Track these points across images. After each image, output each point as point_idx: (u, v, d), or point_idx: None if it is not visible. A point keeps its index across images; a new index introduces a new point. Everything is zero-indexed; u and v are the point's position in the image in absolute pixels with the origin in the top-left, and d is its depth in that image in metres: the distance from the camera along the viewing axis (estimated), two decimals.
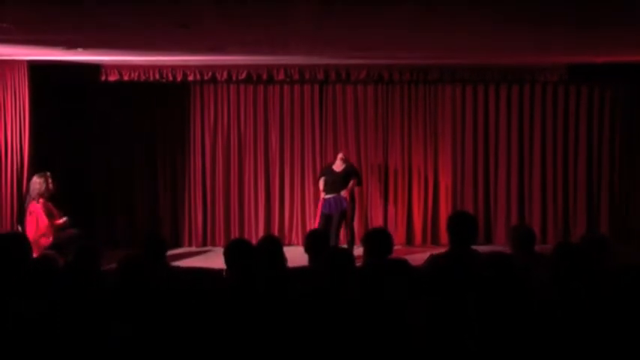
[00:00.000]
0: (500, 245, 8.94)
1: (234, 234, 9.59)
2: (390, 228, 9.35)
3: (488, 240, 9.71)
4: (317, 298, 3.62)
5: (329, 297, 3.61)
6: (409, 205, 9.93)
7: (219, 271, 4.55)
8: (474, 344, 3.20)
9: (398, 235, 9.57)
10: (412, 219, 9.92)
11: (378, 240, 4.32)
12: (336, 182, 8.71)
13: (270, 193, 9.92)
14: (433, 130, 9.88)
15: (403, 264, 4.09)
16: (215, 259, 8.23)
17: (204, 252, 9.41)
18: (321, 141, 9.92)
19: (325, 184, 8.76)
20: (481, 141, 9.87)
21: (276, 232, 9.51)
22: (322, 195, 8.76)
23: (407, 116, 9.87)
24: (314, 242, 4.81)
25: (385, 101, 9.87)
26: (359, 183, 8.97)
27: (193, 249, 9.65)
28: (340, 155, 8.93)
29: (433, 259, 4.27)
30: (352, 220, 8.90)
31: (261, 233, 9.26)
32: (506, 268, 3.54)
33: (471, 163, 9.89)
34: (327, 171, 8.89)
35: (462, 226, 4.23)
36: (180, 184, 9.91)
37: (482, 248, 4.52)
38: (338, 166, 8.84)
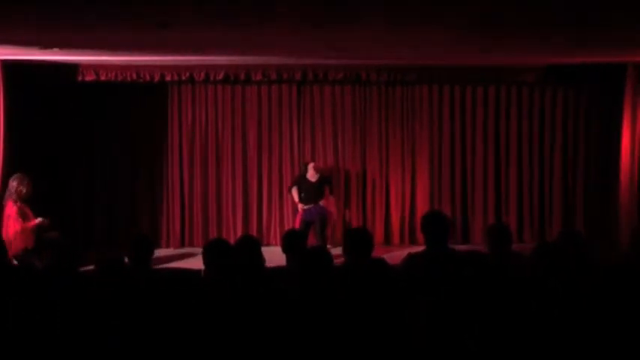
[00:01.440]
0: (477, 244, 8.98)
1: (213, 234, 9.53)
2: (368, 227, 9.29)
3: (466, 239, 9.79)
4: (295, 299, 3.62)
5: (308, 297, 3.61)
6: (387, 205, 9.97)
7: (197, 272, 4.52)
8: (453, 342, 3.23)
9: (376, 235, 9.43)
10: (390, 219, 9.96)
11: (358, 239, 4.30)
12: (311, 192, 8.85)
13: (249, 193, 9.91)
14: (410, 130, 9.93)
15: (381, 263, 4.28)
16: (193, 260, 8.26)
17: (183, 253, 9.35)
18: (299, 141, 9.93)
19: (300, 194, 8.88)
20: (458, 141, 9.92)
21: (254, 233, 9.49)
22: (300, 206, 8.86)
23: (384, 117, 9.91)
24: (291, 242, 4.81)
25: (362, 102, 9.91)
26: (331, 191, 9.18)
27: (171, 250, 9.62)
28: (313, 164, 9.06)
29: (411, 258, 4.29)
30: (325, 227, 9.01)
31: (239, 233, 9.15)
32: (482, 266, 3.59)
33: (448, 163, 9.93)
34: (301, 180, 8.99)
35: (435, 225, 4.27)
36: (158, 185, 9.88)
37: (459, 247, 4.57)
38: (312, 175, 8.96)
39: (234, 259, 4.28)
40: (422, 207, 9.73)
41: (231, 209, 9.90)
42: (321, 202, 8.84)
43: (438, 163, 9.94)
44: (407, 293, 3.86)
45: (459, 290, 3.55)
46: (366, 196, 9.98)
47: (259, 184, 9.94)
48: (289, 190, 9.27)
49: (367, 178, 9.98)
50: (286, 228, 9.10)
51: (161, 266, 6.99)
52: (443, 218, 4.36)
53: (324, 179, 9.05)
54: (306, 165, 9.21)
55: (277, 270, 4.52)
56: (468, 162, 9.98)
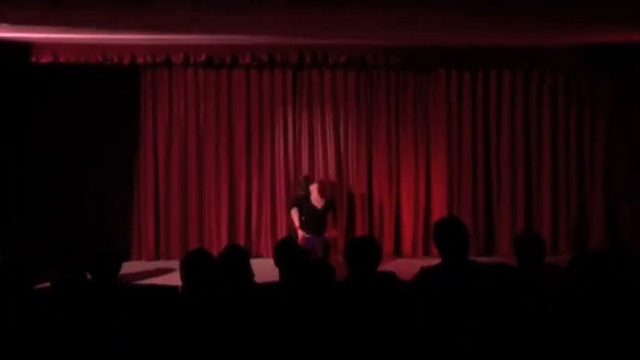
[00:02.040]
0: (504, 257, 8.98)
1: (193, 245, 9.49)
2: (375, 236, 9.26)
3: (491, 251, 9.81)
4: (290, 318, 3.66)
5: (304, 317, 3.64)
6: (397, 210, 9.97)
7: (173, 288, 4.52)
8: None
9: (384, 245, 9.58)
10: (401, 226, 9.96)
11: (363, 249, 4.31)
12: (316, 220, 8.85)
13: (235, 197, 9.93)
14: (425, 123, 9.93)
15: (390, 278, 4.28)
16: (169, 276, 8.35)
17: (157, 267, 9.32)
18: (295, 137, 9.95)
19: (301, 219, 8.84)
20: (481, 136, 9.92)
21: (242, 243, 9.47)
22: (300, 233, 8.77)
23: (394, 107, 9.93)
24: (286, 253, 4.82)
25: (369, 89, 9.92)
26: (334, 219, 9.18)
27: (143, 263, 9.60)
28: (317, 186, 9.02)
29: (424, 272, 4.28)
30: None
31: (224, 244, 9.07)
32: (508, 280, 3.60)
33: (469, 161, 9.92)
34: (304, 204, 8.95)
35: (451, 233, 4.27)
36: (127, 186, 9.87)
37: (483, 260, 4.53)
38: (317, 199, 8.95)
39: (217, 273, 4.29)
40: (438, 212, 9.67)
41: (214, 215, 9.89)
42: (327, 234, 8.87)
43: (457, 162, 9.92)
44: (419, 313, 3.88)
45: (481, 309, 3.59)
46: (372, 200, 9.98)
47: (248, 187, 9.93)
48: (288, 211, 9.26)
49: (374, 179, 9.98)
50: (279, 237, 8.90)
51: (131, 282, 6.89)
52: (460, 225, 4.34)
53: (330, 205, 9.06)
54: (306, 182, 9.28)
55: (269, 285, 4.54)
56: (493, 161, 9.97)
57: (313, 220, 8.82)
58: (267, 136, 9.92)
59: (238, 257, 4.51)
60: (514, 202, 9.94)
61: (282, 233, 9.44)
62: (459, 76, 9.86)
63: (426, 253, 9.75)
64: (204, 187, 9.92)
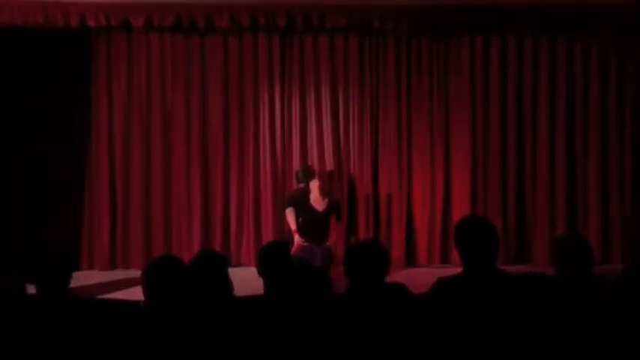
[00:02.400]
0: (540, 265, 9.06)
1: (157, 252, 9.47)
2: (382, 241, 9.35)
3: (524, 258, 9.83)
4: (277, 339, 3.69)
5: (294, 337, 3.67)
6: (409, 208, 10.02)
7: (134, 304, 4.50)
8: None
9: (394, 251, 9.62)
10: (413, 228, 10.00)
11: (366, 257, 4.33)
12: (318, 225, 8.73)
13: (210, 194, 10.00)
14: (444, 102, 9.96)
15: (400, 291, 4.31)
16: (129, 288, 8.27)
17: (114, 278, 9.27)
18: (283, 119, 9.98)
19: (299, 223, 8.75)
20: (512, 117, 9.93)
21: (218, 249, 9.50)
22: (297, 238, 8.70)
23: (406, 82, 9.93)
24: (272, 259, 4.86)
25: (375, 59, 9.93)
26: (338, 219, 9.07)
27: (96, 273, 9.63)
28: (318, 184, 8.89)
29: (442, 283, 4.28)
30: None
31: (196, 251, 9.14)
32: (545, 294, 3.61)
33: (497, 148, 9.94)
34: (302, 204, 8.84)
35: (476, 236, 4.26)
36: (76, 181, 9.88)
37: (513, 269, 4.54)
38: (318, 201, 8.83)
39: (188, 284, 4.30)
40: (459, 211, 9.69)
41: (184, 216, 9.95)
42: (329, 241, 8.79)
43: (482, 149, 9.97)
44: (435, 334, 3.90)
45: (512, 330, 3.59)
46: (379, 197, 10.01)
47: (226, 181, 9.99)
48: (283, 209, 9.18)
49: (381, 171, 10.03)
50: (264, 242, 8.77)
51: (84, 297, 6.95)
52: (488, 226, 4.34)
53: (334, 206, 8.96)
54: (306, 174, 9.23)
55: (251, 300, 4.55)
56: (527, 148, 10.00)
57: (313, 225, 8.73)
58: (249, 119, 9.94)
59: (214, 265, 4.52)
60: (553, 199, 9.96)
61: (267, 237, 9.49)
62: (486, 43, 9.89)
63: (444, 260, 9.84)
64: (171, 181, 9.96)
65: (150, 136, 9.92)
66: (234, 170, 9.98)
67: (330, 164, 9.97)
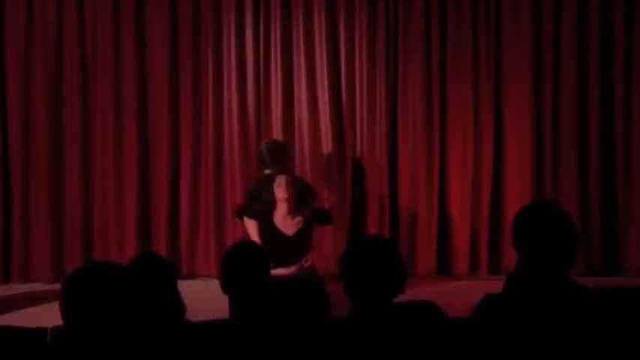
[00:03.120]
0: (635, 274, 9.41)
1: (71, 260, 9.80)
2: (404, 241, 9.81)
3: (612, 266, 10.04)
4: None
5: None
6: (442, 200, 10.21)
7: (39, 332, 4.62)
8: None
9: (420, 257, 9.98)
10: (448, 227, 10.23)
11: (373, 261, 4.31)
12: (286, 250, 8.69)
13: (150, 180, 10.25)
14: (494, 53, 10.11)
15: (429, 312, 4.32)
16: (28, 306, 8.56)
17: (5, 292, 9.54)
18: (259, 68, 10.11)
19: (263, 243, 8.54)
20: (595, 74, 10.04)
21: (163, 253, 9.20)
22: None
23: (437, 20, 10.06)
24: (240, 269, 4.93)
25: (393, 4, 10.06)
26: (326, 222, 9.20)
27: None
28: (284, 193, 8.71)
29: (491, 301, 4.24)
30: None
31: (129, 256, 9.12)
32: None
33: (573, 119, 10.08)
34: (264, 219, 8.84)
35: (545, 231, 4.22)
36: None
37: (596, 283, 4.62)
38: (284, 222, 8.78)
39: (122, 300, 4.25)
40: (514, 201, 9.87)
41: (113, 212, 10.17)
42: (306, 262, 8.77)
43: (551, 121, 10.10)
44: None
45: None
46: (397, 186, 10.19)
47: (173, 161, 10.22)
48: (237, 215, 9.33)
49: (401, 149, 10.19)
50: (229, 243, 8.83)
51: None
52: (562, 215, 4.29)
53: (315, 216, 8.92)
54: (276, 155, 9.22)
55: (211, 326, 4.66)
56: (618, 115, 10.13)
57: (281, 249, 8.59)
58: (210, 69, 10.07)
59: (156, 276, 4.62)
60: None
61: (234, 237, 9.71)
62: None
63: (494, 270, 10.04)
64: (92, 163, 10.17)
65: (61, 103, 10.08)
66: (186, 146, 10.16)
67: (325, 138, 10.08)
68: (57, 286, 4.58)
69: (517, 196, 9.97)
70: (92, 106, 10.06)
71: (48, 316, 4.54)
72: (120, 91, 10.05)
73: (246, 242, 6.17)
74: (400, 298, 4.29)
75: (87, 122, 10.07)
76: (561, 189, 10.11)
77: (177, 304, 4.59)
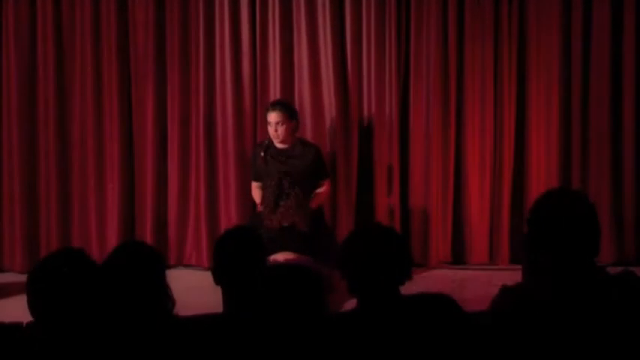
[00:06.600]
0: None
1: (46, 247, 9.77)
2: (416, 231, 9.81)
3: None
4: None
5: None
6: (457, 179, 10.01)
7: (15, 326, 4.58)
8: None
9: (432, 245, 9.90)
10: (464, 210, 10.06)
11: (376, 252, 4.28)
12: (275, 244, 8.33)
13: (135, 159, 10.11)
14: (516, 29, 9.90)
15: (442, 305, 4.33)
16: (3, 301, 8.72)
17: None
18: (254, 24, 9.86)
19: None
20: (630, 42, 9.77)
21: (148, 241, 9.37)
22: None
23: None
24: (234, 258, 4.94)
25: None
26: (323, 176, 8.92)
27: None
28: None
29: (509, 293, 4.27)
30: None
31: (111, 246, 8.68)
32: None
33: (606, 88, 9.80)
34: (263, 171, 8.68)
35: (567, 219, 4.20)
36: None
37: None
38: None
39: (101, 294, 4.29)
40: (538, 186, 9.68)
41: (93, 196, 10.04)
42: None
43: (581, 91, 9.85)
44: None
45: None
46: (407, 160, 9.97)
47: (159, 134, 10.04)
48: (252, 183, 9.11)
49: (413, 117, 9.94)
50: (222, 229, 8.15)
51: None
52: (584, 202, 4.27)
53: (313, 168, 8.70)
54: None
55: (202, 320, 4.69)
56: None
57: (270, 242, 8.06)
58: (201, 27, 9.82)
59: (141, 266, 4.52)
60: None
61: (228, 222, 9.50)
62: None
63: (515, 260, 9.75)
64: (70, 141, 10.05)
65: (34, 74, 10.00)
66: (173, 121, 9.97)
67: (329, 101, 9.86)
68: None
69: (542, 177, 9.95)
70: (69, 86, 10.00)
71: (22, 308, 4.31)
72: (100, 64, 9.97)
73: (238, 228, 6.04)
74: (413, 290, 4.32)
75: (63, 103, 10.01)
76: (590, 170, 9.97)
77: (165, 297, 4.43)
